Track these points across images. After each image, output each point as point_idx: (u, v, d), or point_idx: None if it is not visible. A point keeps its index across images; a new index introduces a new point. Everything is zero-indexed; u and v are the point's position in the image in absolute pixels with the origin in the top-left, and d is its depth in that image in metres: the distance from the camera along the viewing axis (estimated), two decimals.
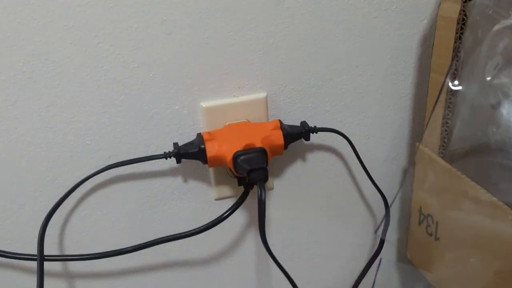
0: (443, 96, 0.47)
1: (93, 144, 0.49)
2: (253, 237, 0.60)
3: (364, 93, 0.55)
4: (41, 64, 0.44)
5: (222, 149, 0.48)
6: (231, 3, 0.46)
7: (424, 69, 0.55)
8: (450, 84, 0.46)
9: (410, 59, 0.55)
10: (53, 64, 0.45)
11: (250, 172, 0.46)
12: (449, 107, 0.48)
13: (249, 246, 0.60)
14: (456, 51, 0.45)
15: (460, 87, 0.46)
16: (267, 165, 0.47)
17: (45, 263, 0.48)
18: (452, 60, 0.45)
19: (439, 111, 0.48)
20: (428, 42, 0.54)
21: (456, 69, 0.46)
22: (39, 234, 0.47)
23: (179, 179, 0.54)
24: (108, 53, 0.45)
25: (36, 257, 0.47)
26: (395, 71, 0.55)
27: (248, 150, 0.47)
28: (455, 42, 0.45)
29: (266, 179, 0.46)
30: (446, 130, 0.49)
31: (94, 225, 0.53)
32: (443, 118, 0.49)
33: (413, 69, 0.55)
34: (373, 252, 0.62)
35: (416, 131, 0.59)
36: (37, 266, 0.46)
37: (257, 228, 0.51)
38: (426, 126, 0.51)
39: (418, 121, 0.58)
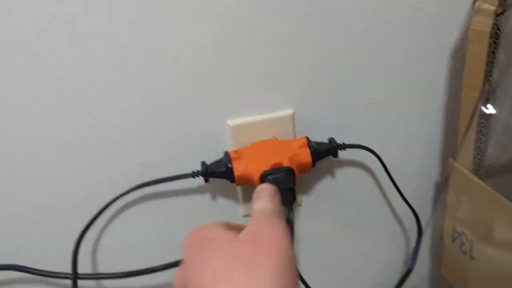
0: (476, 116, 0.45)
1: (123, 163, 0.50)
2: None
3: (393, 107, 0.54)
4: (72, 86, 0.45)
5: (249, 168, 0.48)
6: (255, 21, 0.46)
7: (456, 82, 0.54)
8: (483, 108, 0.44)
9: (441, 72, 0.53)
10: (83, 87, 0.46)
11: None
12: (482, 129, 0.47)
13: None
14: (489, 66, 0.43)
15: (493, 111, 0.44)
16: (294, 184, 0.47)
17: (79, 280, 0.49)
18: (485, 79, 0.43)
19: (473, 129, 0.47)
20: (460, 55, 0.52)
21: (489, 89, 0.45)
22: (72, 252, 0.48)
23: (207, 197, 0.54)
24: (136, 75, 0.46)
25: (70, 276, 0.48)
26: (426, 84, 0.54)
27: (275, 170, 0.47)
28: (488, 57, 0.43)
29: (294, 200, 0.46)
30: (479, 147, 0.47)
31: (125, 242, 0.54)
32: (477, 136, 0.47)
33: (445, 82, 0.54)
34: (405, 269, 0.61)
35: (449, 146, 0.57)
36: (72, 284, 0.48)
37: None
38: (460, 144, 0.49)
39: (451, 135, 0.57)
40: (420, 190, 0.59)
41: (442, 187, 0.55)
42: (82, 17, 0.43)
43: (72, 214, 0.51)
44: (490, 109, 0.45)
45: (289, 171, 0.47)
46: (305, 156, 0.49)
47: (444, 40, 0.52)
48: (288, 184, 0.46)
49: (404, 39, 0.51)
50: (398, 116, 0.55)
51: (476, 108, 0.45)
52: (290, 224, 0.46)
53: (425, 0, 0.49)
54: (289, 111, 0.52)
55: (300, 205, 0.57)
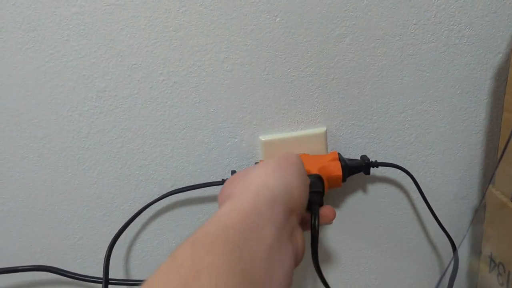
0: None
1: (157, 173, 0.52)
2: (310, 269, 0.59)
3: (430, 128, 0.53)
4: (111, 99, 0.47)
5: None
6: (291, 41, 0.47)
7: (499, 105, 0.52)
8: None
9: (482, 94, 0.51)
10: (122, 100, 0.48)
11: None
12: None
13: (304, 275, 0.59)
14: None
15: None
16: (323, 191, 0.46)
17: (110, 286, 0.51)
18: None
19: (510, 155, 0.45)
20: (503, 77, 0.50)
21: None
22: (105, 257, 0.50)
23: None
24: (172, 90, 0.48)
25: (101, 280, 0.50)
26: (466, 106, 0.52)
27: None
28: None
29: (321, 203, 0.45)
30: None
31: (156, 249, 0.56)
32: None
33: (486, 105, 0.52)
34: None
35: (488, 171, 0.55)
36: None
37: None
38: (497, 168, 0.47)
39: (491, 160, 0.54)
40: (455, 215, 0.57)
41: (479, 213, 0.53)
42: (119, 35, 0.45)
43: (106, 220, 0.53)
44: None
45: (318, 177, 0.46)
46: (336, 169, 0.49)
47: (487, 62, 0.50)
48: (316, 187, 0.45)
49: (443, 60, 0.49)
50: (435, 138, 0.53)
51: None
52: (314, 231, 0.45)
53: (468, 21, 0.48)
54: (322, 129, 0.51)
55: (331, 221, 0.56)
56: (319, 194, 0.45)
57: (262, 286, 0.26)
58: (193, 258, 0.26)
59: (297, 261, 0.33)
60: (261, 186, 0.33)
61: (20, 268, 0.52)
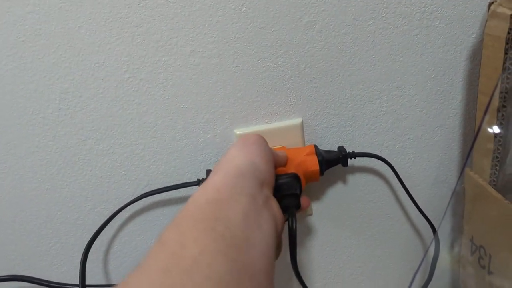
0: (488, 126, 0.42)
1: (129, 174, 0.50)
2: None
3: (406, 114, 0.52)
4: (76, 100, 0.46)
5: None
6: (259, 31, 0.45)
7: (473, 87, 0.51)
8: (489, 129, 0.42)
9: (458, 76, 0.50)
10: (87, 100, 0.46)
11: (281, 199, 0.45)
12: (500, 138, 0.44)
13: (285, 276, 0.59)
14: (505, 73, 0.40)
15: (500, 130, 0.41)
16: (300, 192, 0.46)
17: None
18: (499, 86, 0.40)
19: (488, 138, 0.44)
20: (478, 58, 0.49)
21: (505, 96, 0.42)
22: (80, 262, 0.49)
23: None
24: (139, 87, 0.46)
25: (78, 287, 0.48)
26: (442, 89, 0.51)
27: (280, 176, 0.45)
28: (504, 63, 0.40)
29: (298, 207, 0.45)
30: (497, 157, 0.45)
31: (134, 250, 0.54)
32: (494, 146, 0.44)
33: (462, 87, 0.51)
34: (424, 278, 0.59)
35: (466, 153, 0.54)
36: None
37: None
38: (471, 150, 0.46)
39: (469, 143, 0.54)
40: (436, 199, 0.56)
41: (459, 197, 0.53)
42: (83, 30, 0.43)
43: (80, 224, 0.52)
44: (499, 127, 0.42)
45: (294, 177, 0.45)
46: (312, 164, 0.48)
47: (461, 43, 0.49)
48: (292, 190, 0.44)
49: (416, 44, 0.48)
50: (412, 123, 0.52)
51: (489, 116, 0.42)
52: (292, 232, 0.45)
53: (440, 2, 0.47)
54: (298, 120, 0.50)
55: (310, 214, 0.55)
56: (295, 196, 0.44)
57: (242, 246, 0.29)
58: (178, 236, 0.28)
59: (277, 227, 0.36)
60: (229, 165, 0.36)
61: None
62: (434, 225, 0.55)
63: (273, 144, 0.50)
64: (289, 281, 0.59)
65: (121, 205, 0.50)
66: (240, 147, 0.38)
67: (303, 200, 0.47)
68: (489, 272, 0.48)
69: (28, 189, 0.49)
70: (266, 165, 0.38)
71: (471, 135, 0.53)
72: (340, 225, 0.57)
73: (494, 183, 0.46)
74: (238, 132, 0.50)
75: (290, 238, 0.45)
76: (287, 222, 0.42)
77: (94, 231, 0.50)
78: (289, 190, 0.45)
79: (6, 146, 0.47)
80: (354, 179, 0.54)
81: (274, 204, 0.37)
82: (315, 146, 0.49)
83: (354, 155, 0.50)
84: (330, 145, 0.52)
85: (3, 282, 0.51)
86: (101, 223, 0.50)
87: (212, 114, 0.49)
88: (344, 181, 0.54)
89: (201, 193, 0.33)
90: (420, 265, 0.58)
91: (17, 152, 0.47)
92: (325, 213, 0.56)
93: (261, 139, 0.41)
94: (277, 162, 0.43)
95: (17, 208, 0.50)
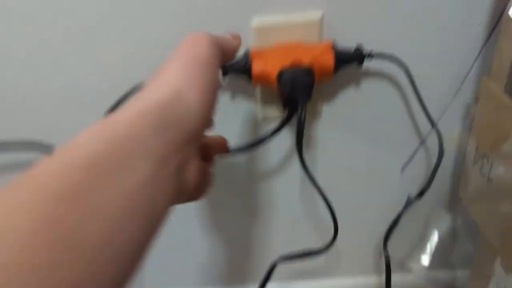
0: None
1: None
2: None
3: (431, 18, 0.50)
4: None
5: (268, 66, 0.47)
6: None
7: None
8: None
9: None
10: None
11: (293, 90, 0.45)
12: None
13: (294, 170, 0.61)
14: None
15: None
16: (312, 85, 0.46)
17: None
18: None
19: (509, 43, 0.43)
20: None
21: None
22: None
23: (226, 98, 0.54)
24: None
25: None
26: None
27: (293, 68, 0.46)
28: None
29: (308, 98, 0.45)
30: None
31: None
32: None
33: None
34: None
35: (488, 65, 0.53)
36: None
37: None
38: (495, 60, 0.46)
39: (492, 54, 0.52)
40: (450, 110, 0.56)
41: (471, 109, 0.52)
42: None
43: None
44: None
45: (308, 70, 0.45)
46: (328, 59, 0.48)
47: None
48: (304, 81, 0.45)
49: None
50: (435, 28, 0.51)
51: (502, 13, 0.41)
52: (300, 124, 0.46)
53: None
54: (317, 14, 0.49)
55: (319, 113, 0.56)
56: (307, 88, 0.45)
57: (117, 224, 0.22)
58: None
59: (183, 199, 0.29)
60: (152, 102, 0.27)
61: None
62: (444, 137, 0.55)
63: (290, 38, 0.50)
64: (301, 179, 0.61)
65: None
66: (181, 69, 0.29)
67: (221, 139, 0.43)
68: (489, 180, 0.49)
69: None
70: (204, 111, 0.29)
71: (493, 46, 0.52)
72: (347, 127, 0.58)
73: (509, 93, 0.46)
74: (253, 26, 0.49)
75: (297, 129, 0.46)
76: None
77: None
78: (301, 83, 0.45)
79: None
80: (368, 82, 0.54)
81: (192, 169, 0.29)
82: (333, 42, 0.49)
83: (371, 55, 0.50)
84: (348, 44, 0.51)
85: None
86: None
87: (230, 2, 0.48)
88: (358, 83, 0.54)
89: (93, 138, 0.24)
90: (410, 159, 0.59)
91: None
92: (334, 113, 0.56)
93: (212, 57, 0.31)
94: (224, 57, 0.35)
95: None
